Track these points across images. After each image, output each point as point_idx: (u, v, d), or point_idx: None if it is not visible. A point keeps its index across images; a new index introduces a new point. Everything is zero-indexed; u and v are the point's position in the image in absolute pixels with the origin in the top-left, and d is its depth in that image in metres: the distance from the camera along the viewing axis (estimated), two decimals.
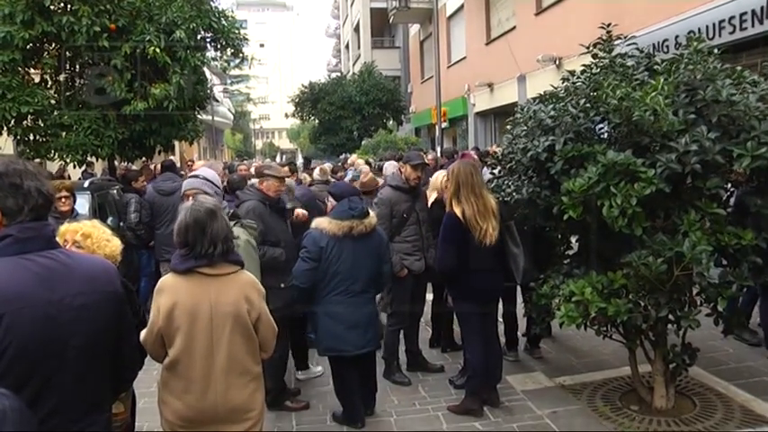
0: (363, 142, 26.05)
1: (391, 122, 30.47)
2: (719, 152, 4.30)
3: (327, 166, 10.56)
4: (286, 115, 38.47)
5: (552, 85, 5.65)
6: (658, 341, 5.10)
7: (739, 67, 4.92)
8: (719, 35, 8.88)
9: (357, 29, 39.99)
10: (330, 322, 5.04)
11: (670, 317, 4.79)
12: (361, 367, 5.31)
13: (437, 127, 21.71)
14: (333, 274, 4.98)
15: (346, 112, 28.96)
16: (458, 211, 5.14)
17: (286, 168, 8.07)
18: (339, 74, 42.98)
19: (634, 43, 5.37)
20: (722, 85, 4.49)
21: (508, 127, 5.97)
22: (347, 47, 47.35)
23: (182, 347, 3.15)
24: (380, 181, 7.87)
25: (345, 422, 5.28)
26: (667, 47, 9.76)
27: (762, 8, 7.57)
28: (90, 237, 3.35)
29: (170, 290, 3.18)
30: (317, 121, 31.98)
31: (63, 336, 2.25)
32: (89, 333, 2.34)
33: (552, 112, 5.04)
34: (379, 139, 23.94)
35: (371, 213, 5.23)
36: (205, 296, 3.15)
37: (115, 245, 3.48)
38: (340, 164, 14.66)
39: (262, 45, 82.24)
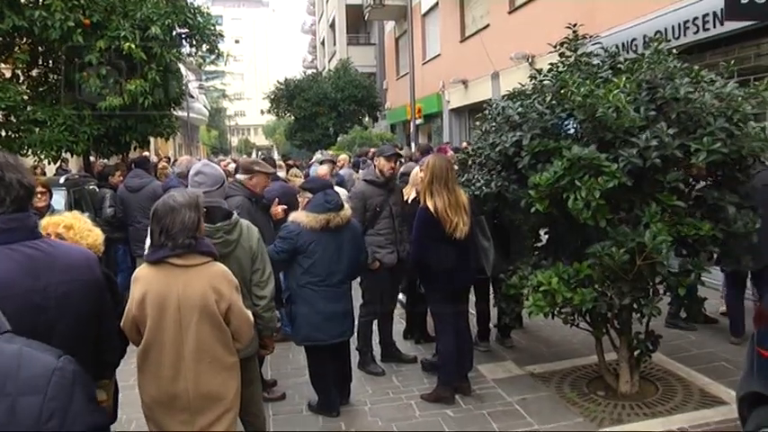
0: (339, 138, 26.14)
1: (367, 119, 30.56)
2: (678, 147, 4.48)
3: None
4: (261, 112, 38.40)
5: (520, 83, 5.80)
6: (623, 329, 5.29)
7: (697, 67, 5.11)
8: (684, 35, 9.09)
9: (333, 25, 39.97)
10: (308, 313, 5.13)
11: (633, 305, 4.99)
12: (336, 357, 5.43)
13: (412, 123, 21.85)
14: (311, 266, 5.07)
15: (322, 108, 28.94)
16: (430, 204, 5.24)
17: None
18: (315, 70, 42.92)
19: (599, 43, 5.55)
20: (680, 83, 4.69)
21: (478, 123, 6.12)
22: (323, 43, 47.29)
23: (152, 335, 3.24)
24: None
25: (321, 411, 5.39)
26: (636, 46, 9.96)
27: (722, 10, 7.79)
28: (72, 228, 3.43)
29: (142, 279, 3.28)
30: (292, 117, 31.99)
31: (48, 322, 2.33)
32: (72, 319, 2.43)
33: (520, 109, 5.21)
34: (354, 135, 24.08)
35: (346, 206, 5.33)
36: (173, 287, 3.23)
37: (97, 234, 3.56)
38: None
39: (237, 41, 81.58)
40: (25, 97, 11.31)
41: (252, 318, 3.56)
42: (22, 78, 11.85)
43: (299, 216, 5.13)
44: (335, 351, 5.39)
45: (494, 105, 5.80)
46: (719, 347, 6.42)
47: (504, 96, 5.94)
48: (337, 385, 5.49)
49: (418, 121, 22.13)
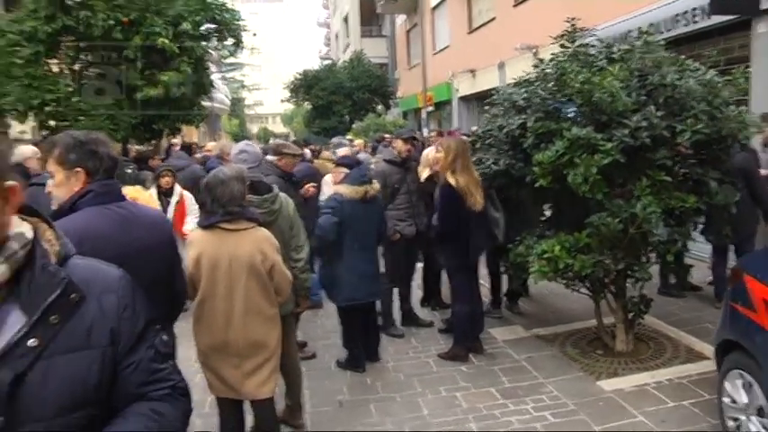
0: (354, 125, 26.34)
1: (380, 107, 30.73)
2: (665, 128, 4.76)
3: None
4: (281, 100, 38.58)
5: (525, 71, 6.07)
6: (619, 294, 5.58)
7: (683, 56, 5.37)
8: (675, 27, 9.26)
9: (346, 19, 40.02)
10: (349, 275, 5.45)
11: (628, 270, 5.28)
12: (365, 318, 5.78)
13: (423, 111, 22.05)
14: (351, 232, 5.40)
15: (338, 97, 29.15)
16: (453, 181, 5.52)
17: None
18: (330, 61, 43.04)
19: (594, 35, 5.81)
20: (668, 71, 4.95)
21: (487, 108, 6.40)
22: (337, 36, 47.31)
23: (206, 291, 3.60)
24: None
25: (349, 367, 5.73)
26: (631, 38, 10.07)
27: (709, 5, 8.01)
28: (137, 200, 3.79)
29: (197, 242, 3.64)
30: (309, 105, 32.23)
31: (135, 270, 2.63)
32: (155, 268, 2.77)
33: (525, 95, 5.50)
34: (369, 123, 24.28)
35: (374, 180, 5.70)
36: (224, 248, 3.59)
37: (155, 205, 3.94)
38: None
39: (254, 34, 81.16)
40: (68, 90, 11.69)
41: (290, 276, 3.91)
42: (67, 72, 12.22)
43: (340, 188, 5.47)
44: (365, 312, 5.74)
45: (501, 92, 6.08)
46: (705, 312, 6.70)
47: (510, 84, 6.21)
48: (366, 345, 5.83)
49: (429, 109, 22.32)
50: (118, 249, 2.54)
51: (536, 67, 5.88)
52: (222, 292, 3.60)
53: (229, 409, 3.81)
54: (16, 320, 1.29)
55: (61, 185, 2.66)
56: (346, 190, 5.42)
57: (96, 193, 2.64)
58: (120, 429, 1.37)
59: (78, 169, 2.63)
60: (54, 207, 2.64)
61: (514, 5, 16.95)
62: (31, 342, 1.28)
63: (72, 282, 1.38)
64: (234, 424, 3.82)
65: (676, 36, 9.14)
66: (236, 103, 66.21)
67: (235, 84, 64.82)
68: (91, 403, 1.35)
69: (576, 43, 5.64)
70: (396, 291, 6.79)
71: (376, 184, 5.64)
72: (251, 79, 69.69)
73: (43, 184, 3.03)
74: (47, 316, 1.31)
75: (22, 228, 1.38)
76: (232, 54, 14.97)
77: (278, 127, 79.50)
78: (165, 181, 7.43)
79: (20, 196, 1.38)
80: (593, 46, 5.65)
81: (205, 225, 3.65)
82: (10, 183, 1.34)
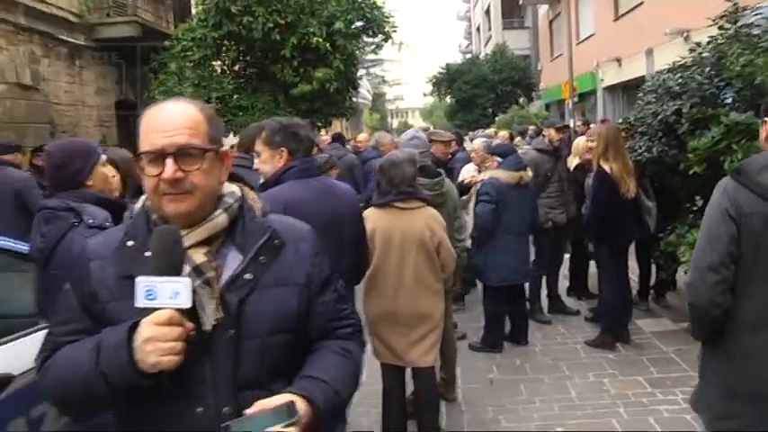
0: (497, 118, 26.25)
1: (522, 99, 30.44)
2: None
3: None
4: (424, 94, 39.15)
5: (680, 57, 5.91)
6: None
7: None
8: None
9: (488, 11, 39.85)
10: (505, 257, 5.61)
11: None
12: (512, 301, 5.93)
13: (567, 102, 21.58)
14: (508, 216, 5.56)
15: (481, 90, 29.22)
16: (606, 167, 5.49)
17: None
18: (470, 55, 43.02)
19: (760, 13, 5.55)
20: None
21: (640, 95, 6.29)
22: (478, 29, 47.16)
23: (379, 263, 3.90)
24: None
25: (484, 348, 5.90)
26: None
27: None
28: None
29: (372, 219, 3.91)
30: (449, 99, 32.49)
31: (330, 233, 2.88)
32: (345, 233, 3.18)
33: (680, 80, 5.38)
34: (512, 115, 24.13)
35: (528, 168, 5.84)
36: (397, 224, 3.88)
37: None
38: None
39: (395, 30, 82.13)
40: (231, 88, 12.67)
41: (455, 253, 4.15)
42: (228, 73, 13.29)
43: (497, 173, 5.66)
44: (515, 295, 5.92)
45: (655, 78, 5.97)
46: None
47: (661, 71, 6.07)
48: (515, 328, 6.05)
49: (574, 99, 21.81)
50: (317, 215, 2.90)
51: (692, 51, 5.73)
52: (393, 265, 3.89)
53: (393, 376, 4.10)
54: (234, 259, 1.59)
55: (266, 162, 3.14)
56: (503, 175, 5.59)
57: (299, 168, 3.09)
58: (323, 360, 1.66)
59: (282, 149, 3.09)
60: (261, 181, 3.09)
61: None
62: (247, 276, 1.57)
63: (275, 230, 1.66)
64: (396, 389, 4.11)
65: None
66: (377, 98, 67.69)
67: (376, 79, 66.25)
68: (292, 330, 1.62)
69: (738, 23, 5.43)
70: (543, 278, 6.86)
71: (529, 172, 5.78)
72: (392, 75, 70.90)
73: (242, 166, 3.50)
74: (257, 256, 1.60)
75: (232, 187, 1.69)
76: (378, 49, 15.52)
77: (417, 121, 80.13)
78: (334, 173, 7.73)
79: (230, 160, 1.68)
80: (757, 26, 5.38)
81: (379, 203, 3.96)
82: (225, 148, 1.64)
